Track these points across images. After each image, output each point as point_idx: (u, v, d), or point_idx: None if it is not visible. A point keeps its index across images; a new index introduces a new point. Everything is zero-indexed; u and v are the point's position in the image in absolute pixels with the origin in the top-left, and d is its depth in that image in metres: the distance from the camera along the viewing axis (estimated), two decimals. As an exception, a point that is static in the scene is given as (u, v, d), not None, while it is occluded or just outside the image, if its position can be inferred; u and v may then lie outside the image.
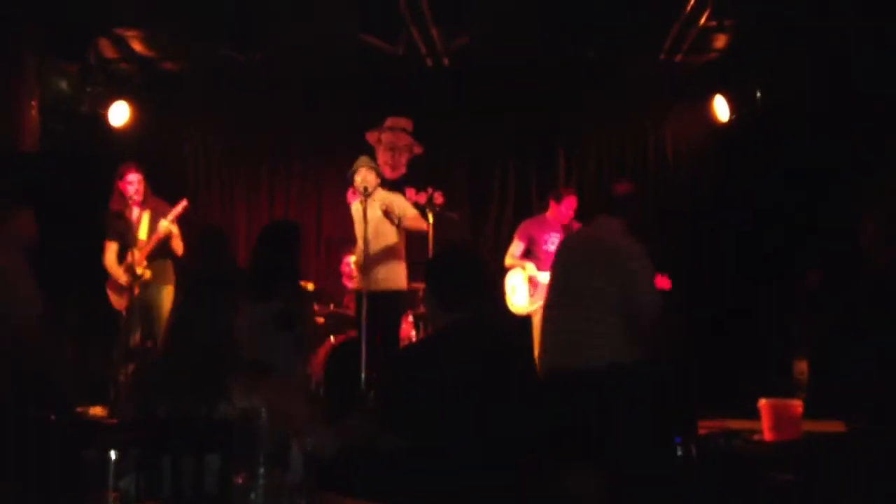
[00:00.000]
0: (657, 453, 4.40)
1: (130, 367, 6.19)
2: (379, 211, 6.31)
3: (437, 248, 6.77)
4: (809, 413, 5.88)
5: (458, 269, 3.28)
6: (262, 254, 5.04)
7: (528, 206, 8.06)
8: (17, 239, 5.53)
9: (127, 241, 6.59)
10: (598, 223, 4.61)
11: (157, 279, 6.64)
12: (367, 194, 6.30)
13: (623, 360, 4.23)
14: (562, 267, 4.58)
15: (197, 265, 6.16)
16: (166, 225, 6.50)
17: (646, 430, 4.21)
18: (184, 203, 6.64)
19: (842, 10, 6.22)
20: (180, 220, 6.67)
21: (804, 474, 4.29)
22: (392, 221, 6.28)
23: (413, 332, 7.15)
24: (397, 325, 6.61)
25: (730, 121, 7.70)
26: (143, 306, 6.60)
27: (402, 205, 6.49)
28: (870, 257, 5.22)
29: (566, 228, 7.04)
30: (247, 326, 4.60)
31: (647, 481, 3.99)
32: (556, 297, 4.53)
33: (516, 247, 7.13)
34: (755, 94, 7.48)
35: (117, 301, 6.68)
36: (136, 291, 6.55)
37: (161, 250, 6.64)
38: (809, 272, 5.92)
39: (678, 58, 7.60)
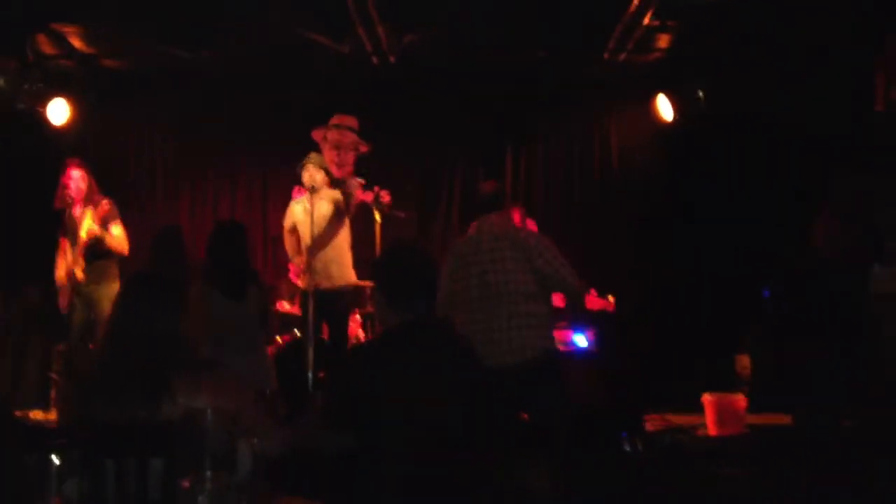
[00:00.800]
0: (604, 448, 4.46)
1: (71, 369, 6.09)
2: (324, 207, 6.30)
3: (385, 247, 6.76)
4: (752, 407, 5.99)
5: (406, 268, 3.27)
6: (230, 252, 4.99)
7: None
8: None
9: (72, 239, 6.48)
10: (483, 222, 4.73)
11: (96, 279, 6.51)
12: (313, 192, 6.28)
13: (552, 349, 4.35)
14: (466, 270, 4.66)
15: (148, 264, 6.07)
16: (91, 226, 6.38)
17: (589, 420, 4.28)
18: (104, 202, 6.52)
19: (783, 8, 6.32)
20: (129, 219, 6.57)
21: (749, 467, 4.37)
22: (347, 208, 6.24)
23: (360, 331, 7.12)
24: (345, 324, 6.59)
25: (673, 120, 7.79)
26: (84, 306, 6.48)
27: (347, 193, 6.52)
28: (820, 255, 5.33)
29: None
30: (222, 324, 4.61)
31: (595, 475, 4.03)
32: (471, 300, 4.61)
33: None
34: (698, 93, 7.57)
35: (61, 301, 6.56)
36: (72, 292, 6.43)
37: (97, 251, 6.51)
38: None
39: (622, 57, 7.67)
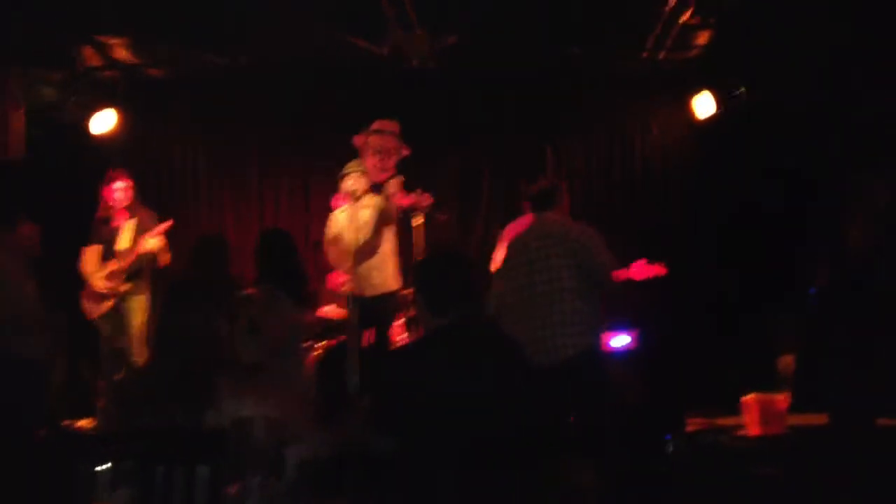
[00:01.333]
0: (648, 449, 4.46)
1: (113, 378, 6.17)
2: (366, 214, 6.34)
3: (425, 252, 6.78)
4: (795, 407, 5.93)
5: (446, 273, 3.30)
6: (294, 259, 4.98)
7: (517, 207, 8.06)
8: (20, 249, 5.49)
9: (109, 249, 6.56)
10: (535, 220, 4.76)
11: (133, 290, 6.61)
12: (356, 199, 6.33)
13: (594, 347, 4.37)
14: (517, 270, 4.74)
15: (185, 274, 6.15)
16: (153, 243, 6.45)
17: (632, 422, 4.29)
18: (169, 223, 6.59)
19: (823, 5, 6.26)
20: (169, 232, 6.65)
21: (790, 468, 4.34)
22: (392, 214, 6.28)
23: (405, 335, 7.15)
24: (389, 329, 6.62)
25: (715, 116, 7.73)
26: (119, 316, 6.56)
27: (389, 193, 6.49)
28: (856, 256, 5.29)
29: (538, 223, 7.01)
30: (293, 329, 4.64)
31: (640, 476, 4.03)
32: (523, 298, 4.68)
33: (501, 252, 7.10)
34: (739, 89, 7.51)
35: (91, 310, 6.60)
36: (113, 302, 6.51)
37: (142, 263, 6.61)
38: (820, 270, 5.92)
39: (661, 55, 7.63)
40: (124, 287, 6.50)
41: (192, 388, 2.77)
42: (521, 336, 4.57)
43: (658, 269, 6.32)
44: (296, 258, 4.95)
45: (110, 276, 6.52)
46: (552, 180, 5.20)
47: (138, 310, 6.56)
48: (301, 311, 4.82)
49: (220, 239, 6.53)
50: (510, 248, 4.94)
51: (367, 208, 6.44)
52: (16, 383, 4.56)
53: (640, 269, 6.31)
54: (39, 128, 7.23)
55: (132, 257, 6.51)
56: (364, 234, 6.31)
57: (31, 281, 5.34)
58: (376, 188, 6.74)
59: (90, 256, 6.65)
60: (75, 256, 6.67)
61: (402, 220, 6.77)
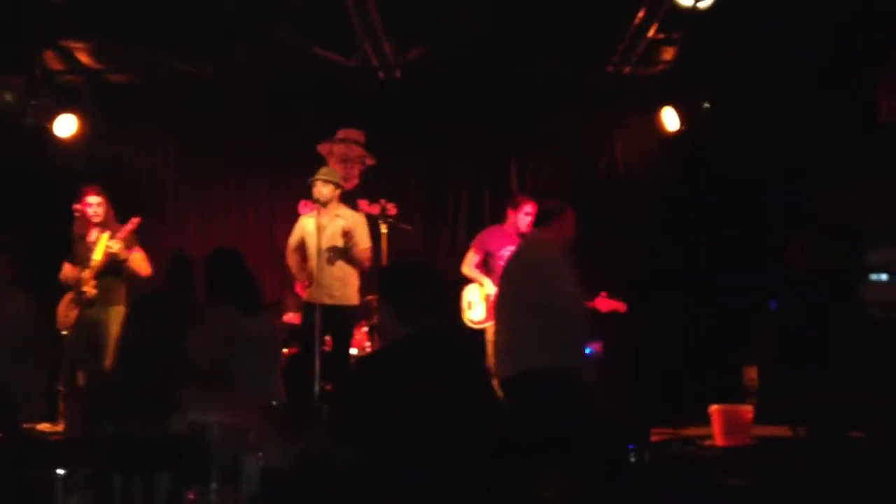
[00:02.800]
0: (611, 459, 4.45)
1: (76, 385, 6.10)
2: (338, 224, 6.31)
3: (392, 260, 6.76)
4: (760, 419, 5.97)
5: (416, 281, 3.26)
6: (242, 272, 5.05)
7: (481, 218, 8.08)
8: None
9: (80, 261, 6.50)
10: (531, 236, 4.87)
11: (105, 299, 6.50)
12: (323, 206, 6.31)
13: (539, 367, 4.38)
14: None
15: (157, 288, 6.11)
16: (114, 243, 6.38)
17: (596, 432, 4.28)
18: (135, 221, 6.53)
19: (788, 21, 6.34)
20: (142, 238, 6.58)
21: (755, 478, 4.36)
22: (346, 241, 6.27)
23: (367, 343, 7.12)
24: (349, 339, 6.60)
25: (679, 132, 7.79)
26: (90, 324, 6.48)
27: (362, 235, 6.46)
28: (791, 269, 5.40)
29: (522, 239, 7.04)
30: (239, 339, 4.64)
31: (603, 486, 4.03)
32: (498, 310, 4.86)
33: (472, 257, 7.10)
34: (703, 105, 7.59)
35: (63, 320, 6.54)
36: (79, 311, 6.44)
37: (111, 270, 6.51)
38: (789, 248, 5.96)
39: (627, 70, 7.69)
40: (90, 292, 6.41)
41: (154, 397, 2.72)
42: (496, 345, 4.76)
43: (618, 305, 6.42)
44: (241, 270, 5.01)
45: (76, 286, 6.46)
46: (557, 202, 5.22)
47: (115, 322, 6.46)
48: (254, 319, 4.81)
49: (186, 257, 6.55)
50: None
51: (338, 218, 6.41)
52: None
53: (604, 302, 6.41)
54: (0, 133, 7.13)
55: (100, 262, 6.44)
56: (327, 243, 6.27)
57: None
58: (341, 196, 6.71)
59: (65, 268, 6.58)
60: (37, 260, 6.56)
61: (369, 230, 6.74)
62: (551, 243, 4.75)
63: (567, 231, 4.95)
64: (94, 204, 6.56)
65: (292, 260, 6.69)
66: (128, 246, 6.45)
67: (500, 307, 4.83)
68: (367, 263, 6.50)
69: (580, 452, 4.13)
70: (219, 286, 4.92)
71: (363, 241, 6.44)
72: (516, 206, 6.94)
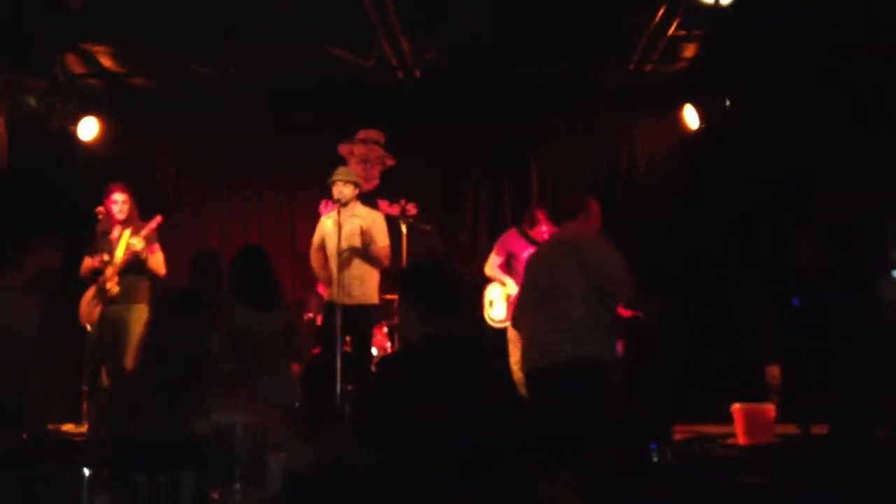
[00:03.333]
0: (633, 458, 4.44)
1: (100, 384, 6.14)
2: (355, 223, 6.32)
3: (411, 260, 6.78)
4: (782, 417, 5.94)
5: (436, 281, 3.27)
6: (255, 267, 5.17)
7: (501, 218, 8.08)
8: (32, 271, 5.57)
9: (104, 257, 6.56)
10: (558, 230, 4.81)
11: (127, 297, 6.54)
12: (343, 206, 6.32)
13: (591, 355, 4.32)
14: (529, 275, 4.81)
15: (183, 285, 6.16)
16: (136, 241, 6.44)
17: (618, 431, 4.25)
18: (158, 219, 6.58)
19: (810, 19, 6.29)
20: (163, 240, 6.63)
21: (777, 477, 4.34)
22: (363, 240, 6.29)
23: (388, 343, 7.14)
24: (370, 338, 6.61)
25: (699, 130, 7.76)
26: (112, 323, 6.53)
27: (379, 233, 6.48)
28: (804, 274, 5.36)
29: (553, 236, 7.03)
30: (248, 336, 4.69)
31: (624, 486, 4.02)
32: (526, 304, 4.73)
33: (494, 259, 7.14)
34: (724, 103, 7.54)
35: (87, 316, 6.60)
36: (102, 308, 6.49)
37: (133, 268, 6.56)
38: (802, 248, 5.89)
39: (648, 68, 7.66)
40: (113, 290, 6.47)
41: (178, 397, 2.74)
42: (525, 339, 4.67)
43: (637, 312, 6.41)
44: (257, 266, 5.14)
45: (99, 286, 6.51)
46: (579, 196, 5.18)
47: (138, 321, 6.52)
48: (261, 316, 4.92)
49: (215, 253, 6.56)
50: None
51: (356, 218, 6.42)
52: None
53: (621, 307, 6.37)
54: (23, 137, 7.19)
55: (122, 260, 6.49)
56: (347, 242, 6.29)
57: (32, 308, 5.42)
58: (361, 197, 6.73)
59: (85, 264, 6.64)
60: (64, 262, 6.62)
61: (388, 229, 6.76)
62: (584, 233, 4.68)
63: (593, 223, 4.90)
64: (119, 201, 6.61)
65: (316, 260, 6.72)
66: (149, 243, 6.50)
67: (533, 300, 4.70)
68: (385, 262, 6.51)
69: (601, 451, 4.12)
70: (232, 281, 5.08)
71: (381, 239, 6.45)
72: (533, 222, 6.90)
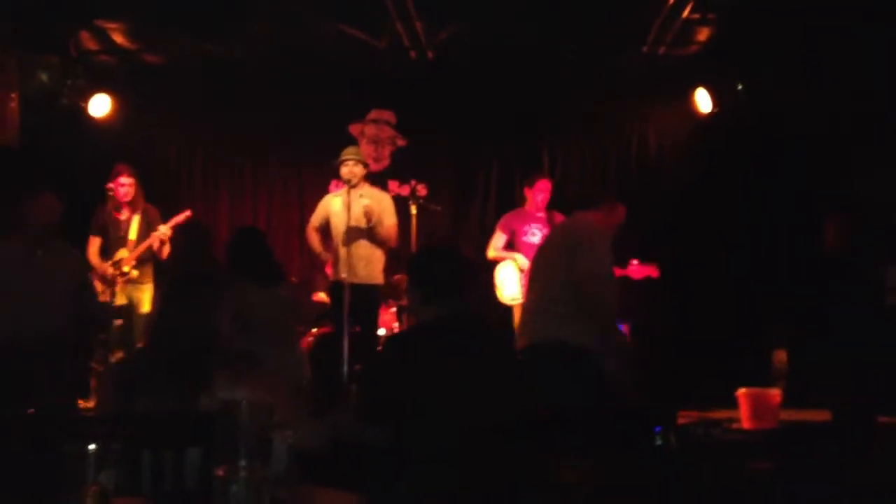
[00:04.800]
0: (637, 441, 4.45)
1: (110, 361, 6.20)
2: (363, 204, 6.34)
3: (420, 241, 6.79)
4: (788, 402, 5.94)
5: (441, 264, 3.32)
6: (262, 245, 5.29)
7: (512, 199, 8.07)
8: (35, 227, 5.46)
9: (110, 239, 6.66)
10: (573, 217, 4.84)
11: (140, 279, 6.72)
12: (351, 186, 6.34)
13: (567, 340, 4.35)
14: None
15: (178, 260, 6.22)
16: (164, 230, 6.61)
17: (622, 414, 4.26)
18: (187, 213, 6.73)
19: (823, 2, 6.26)
20: (170, 213, 6.76)
21: (781, 462, 4.35)
22: (369, 220, 6.31)
23: (396, 324, 7.17)
24: (376, 318, 6.65)
25: (712, 113, 7.72)
26: (123, 303, 6.64)
27: (386, 212, 6.51)
28: (830, 255, 5.34)
29: (548, 219, 7.08)
30: (253, 312, 4.75)
31: (629, 469, 4.04)
32: (533, 279, 4.80)
33: (498, 239, 7.19)
34: (737, 86, 7.51)
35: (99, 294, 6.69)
36: (118, 289, 6.59)
37: (147, 254, 6.70)
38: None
39: (661, 51, 7.62)
40: (134, 273, 6.62)
41: (185, 375, 2.77)
42: (521, 316, 4.78)
43: (651, 270, 6.53)
44: (259, 245, 5.27)
45: (115, 264, 6.61)
46: (601, 193, 5.38)
47: (145, 300, 6.69)
48: (265, 293, 5.00)
49: (201, 226, 6.66)
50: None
51: (364, 197, 6.43)
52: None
53: (636, 269, 6.50)
54: (35, 113, 7.20)
55: (143, 246, 6.64)
56: (355, 222, 6.31)
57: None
58: (372, 177, 6.75)
59: (92, 245, 6.73)
60: (73, 239, 6.66)
61: (397, 210, 6.77)
62: (592, 224, 4.69)
63: (614, 220, 4.90)
64: (126, 184, 6.72)
65: (313, 239, 6.74)
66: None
67: (530, 281, 4.82)
68: (392, 242, 6.54)
69: (605, 435, 4.13)
70: (232, 261, 5.19)
71: (388, 219, 6.47)
72: (532, 184, 7.11)
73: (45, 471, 2.07)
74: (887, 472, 3.88)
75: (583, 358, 4.32)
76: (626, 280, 6.60)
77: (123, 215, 6.75)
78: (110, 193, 6.70)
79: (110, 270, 6.61)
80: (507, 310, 7.06)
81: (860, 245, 5.16)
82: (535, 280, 4.69)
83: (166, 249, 6.79)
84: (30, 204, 5.38)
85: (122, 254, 6.68)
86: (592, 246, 4.48)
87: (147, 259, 6.81)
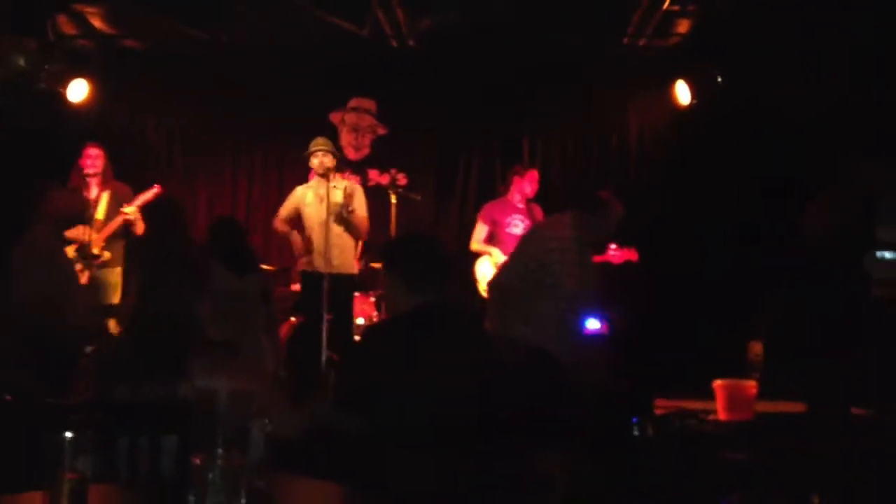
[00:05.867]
0: (614, 432, 4.48)
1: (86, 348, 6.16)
2: (338, 194, 6.34)
3: (399, 231, 6.79)
4: (763, 394, 5.99)
5: (426, 252, 3.31)
6: (238, 234, 5.40)
7: (492, 189, 8.08)
8: (53, 218, 5.42)
9: (88, 221, 6.54)
10: (557, 215, 4.83)
11: (111, 261, 6.60)
12: (325, 177, 6.34)
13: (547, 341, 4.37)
14: (514, 252, 4.82)
15: (150, 241, 6.18)
16: (131, 210, 6.45)
17: (599, 404, 4.29)
18: (155, 190, 6.59)
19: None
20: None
21: (757, 453, 4.39)
22: (349, 203, 6.31)
23: (375, 313, 7.16)
24: (350, 307, 6.66)
25: (691, 105, 7.75)
26: (97, 287, 6.54)
27: (360, 204, 6.53)
28: (811, 244, 5.37)
29: (529, 210, 7.10)
30: (229, 299, 4.75)
31: (605, 459, 4.06)
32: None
33: (480, 230, 7.20)
34: (716, 78, 7.54)
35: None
36: (91, 271, 6.49)
37: (118, 233, 6.59)
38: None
39: (641, 42, 7.64)
40: (105, 255, 6.48)
41: (163, 363, 2.76)
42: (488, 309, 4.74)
43: (630, 254, 6.57)
44: (233, 233, 5.42)
45: (81, 246, 6.48)
46: (595, 195, 5.13)
47: (114, 282, 6.56)
48: (238, 280, 5.06)
49: (172, 201, 6.59)
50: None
51: (336, 188, 6.44)
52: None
53: (616, 254, 6.54)
54: (11, 97, 7.13)
55: (112, 227, 6.48)
56: (335, 210, 6.31)
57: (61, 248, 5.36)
58: (352, 165, 6.74)
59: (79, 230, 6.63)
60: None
61: (377, 198, 6.77)
62: (567, 238, 4.67)
63: (606, 225, 4.88)
64: (92, 156, 6.58)
65: (282, 229, 6.72)
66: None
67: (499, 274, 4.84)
68: (364, 234, 6.55)
69: (583, 427, 4.16)
70: (210, 248, 5.32)
71: (361, 210, 6.49)
72: (523, 175, 7.12)
73: (20, 458, 2.06)
74: (860, 463, 3.92)
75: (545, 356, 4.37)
76: (607, 266, 6.62)
77: (92, 192, 6.60)
78: (76, 172, 6.58)
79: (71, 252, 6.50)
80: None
81: (841, 235, 5.19)
82: (508, 275, 4.67)
83: (140, 226, 6.63)
84: (54, 196, 5.37)
85: (88, 235, 6.47)
86: (559, 251, 4.49)
87: (116, 239, 6.64)
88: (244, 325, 4.83)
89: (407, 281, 3.22)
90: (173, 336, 2.84)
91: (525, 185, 7.17)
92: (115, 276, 6.64)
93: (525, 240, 5.00)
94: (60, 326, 4.87)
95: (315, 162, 6.45)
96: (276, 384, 4.71)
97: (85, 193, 6.57)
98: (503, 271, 4.62)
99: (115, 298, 6.60)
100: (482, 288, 7.14)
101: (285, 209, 6.73)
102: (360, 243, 6.72)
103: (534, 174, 7.25)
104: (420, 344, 3.05)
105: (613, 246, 6.65)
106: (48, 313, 4.86)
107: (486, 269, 7.13)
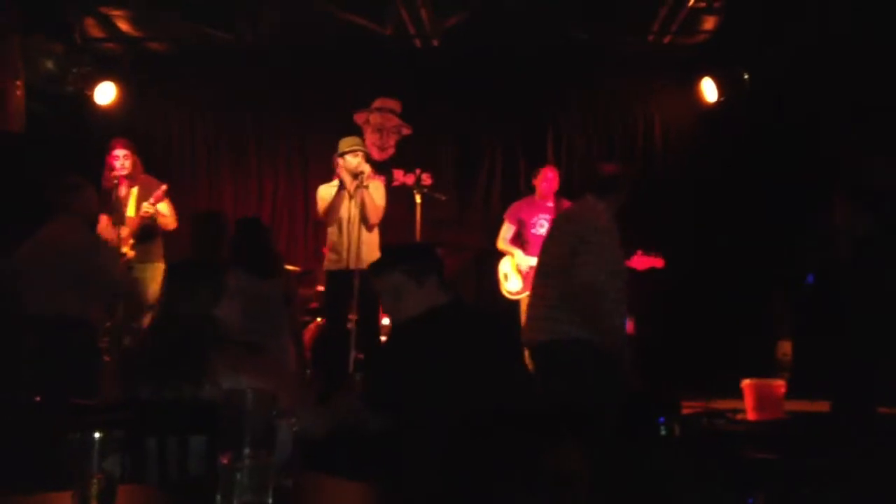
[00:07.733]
0: (641, 431, 4.45)
1: (117, 347, 6.19)
2: (367, 195, 6.33)
3: (422, 233, 6.76)
4: (792, 393, 5.94)
5: (416, 247, 3.32)
6: (262, 236, 5.40)
7: (516, 188, 8.07)
8: (85, 216, 5.49)
9: (115, 217, 6.58)
10: (581, 203, 4.72)
11: (143, 258, 6.59)
12: (360, 178, 6.27)
13: (558, 338, 4.32)
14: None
15: (189, 249, 6.19)
16: (147, 208, 6.47)
17: (626, 404, 4.25)
18: (163, 188, 6.59)
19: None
20: (173, 199, 6.65)
21: (786, 453, 4.35)
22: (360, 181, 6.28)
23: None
24: (379, 306, 6.61)
25: (717, 102, 7.70)
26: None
27: (377, 188, 6.44)
28: (841, 237, 5.30)
29: (556, 207, 7.09)
30: (252, 301, 4.75)
31: (631, 459, 4.04)
32: (534, 276, 4.77)
33: (507, 230, 7.21)
34: (743, 75, 7.49)
35: None
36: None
37: (146, 230, 6.61)
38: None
39: (667, 39, 7.60)
40: (129, 254, 6.51)
41: (189, 363, 2.77)
42: (528, 310, 4.68)
43: (656, 261, 6.49)
44: (257, 235, 5.39)
45: (115, 245, 6.53)
46: (619, 168, 4.79)
47: (153, 278, 6.56)
48: (261, 283, 5.03)
49: (221, 216, 6.52)
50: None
51: (363, 187, 6.41)
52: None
53: (641, 260, 6.46)
54: (39, 100, 7.20)
55: (133, 224, 6.52)
56: (361, 212, 6.29)
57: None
58: (375, 165, 6.72)
59: (104, 225, 6.66)
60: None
61: (402, 198, 6.75)
62: (598, 219, 4.56)
63: (622, 200, 4.76)
64: (120, 157, 6.59)
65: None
66: (154, 202, 6.53)
67: (536, 273, 4.77)
68: (375, 215, 6.39)
69: (609, 425, 4.13)
70: (234, 251, 5.29)
71: (377, 193, 6.36)
72: (537, 175, 7.14)
73: (49, 458, 2.07)
74: (887, 463, 3.87)
75: (584, 351, 4.31)
76: (631, 272, 6.59)
77: (122, 191, 6.59)
78: (107, 171, 6.63)
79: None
80: (513, 303, 7.07)
81: (870, 234, 5.12)
82: (542, 273, 4.59)
83: (166, 221, 6.62)
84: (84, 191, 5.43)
85: (120, 233, 6.46)
86: (595, 248, 4.38)
87: (148, 236, 6.60)
88: (268, 328, 4.83)
89: (412, 275, 3.20)
90: (194, 338, 2.85)
91: (541, 184, 7.18)
92: (148, 272, 6.63)
93: (559, 226, 4.79)
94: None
95: (355, 162, 6.32)
96: (302, 384, 4.73)
97: (116, 191, 6.61)
98: (589, 270, 4.34)
99: (151, 294, 6.58)
100: (504, 288, 7.14)
101: (321, 207, 6.61)
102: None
103: (547, 171, 7.24)
104: (448, 344, 3.05)
105: (639, 252, 6.58)
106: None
107: (506, 269, 7.14)
